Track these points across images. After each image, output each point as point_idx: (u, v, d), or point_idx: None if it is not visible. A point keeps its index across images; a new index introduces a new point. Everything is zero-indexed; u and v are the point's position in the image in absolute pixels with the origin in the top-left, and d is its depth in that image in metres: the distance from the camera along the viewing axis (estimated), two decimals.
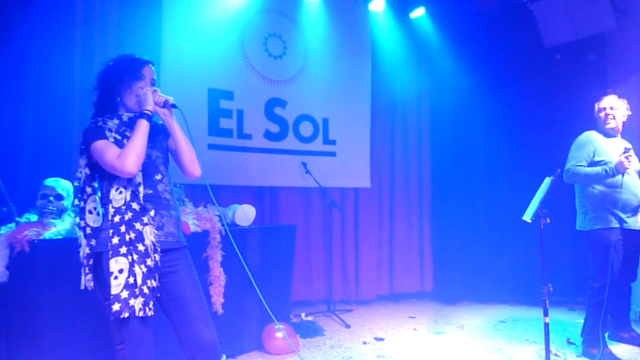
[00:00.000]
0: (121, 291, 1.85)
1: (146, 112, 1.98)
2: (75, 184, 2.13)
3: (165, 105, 2.02)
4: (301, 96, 5.12)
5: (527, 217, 3.01)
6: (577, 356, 3.46)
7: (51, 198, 2.84)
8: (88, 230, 1.96)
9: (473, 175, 5.44)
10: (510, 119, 5.06)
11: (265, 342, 3.62)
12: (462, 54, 5.38)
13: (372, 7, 5.44)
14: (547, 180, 3.11)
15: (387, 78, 5.59)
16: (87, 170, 1.99)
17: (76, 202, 2.13)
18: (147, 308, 1.87)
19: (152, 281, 1.90)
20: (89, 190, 2.00)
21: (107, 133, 1.97)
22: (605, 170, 3.25)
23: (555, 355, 3.44)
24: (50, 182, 2.91)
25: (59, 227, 2.75)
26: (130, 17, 4.31)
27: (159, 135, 2.13)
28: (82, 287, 1.97)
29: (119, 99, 2.04)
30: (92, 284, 1.96)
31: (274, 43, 5.04)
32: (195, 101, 4.55)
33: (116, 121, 2.02)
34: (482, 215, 5.31)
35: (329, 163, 5.20)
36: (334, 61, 5.30)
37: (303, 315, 4.56)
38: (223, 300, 3.27)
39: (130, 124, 2.01)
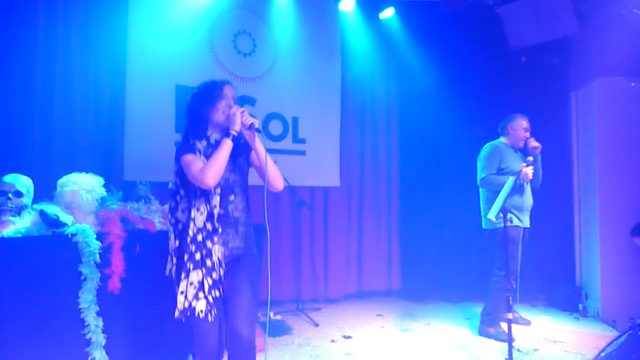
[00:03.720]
0: (192, 299, 2.16)
1: (232, 131, 2.19)
2: (170, 186, 2.34)
3: (251, 127, 2.19)
4: (271, 94, 5.10)
5: (492, 215, 3.08)
6: (534, 350, 3.57)
7: (10, 195, 2.73)
8: (180, 227, 2.27)
9: (441, 174, 5.53)
10: (476, 119, 5.16)
11: None
12: (431, 55, 5.46)
13: (342, 6, 5.46)
14: (511, 180, 3.19)
15: (357, 77, 5.62)
16: (177, 180, 2.28)
17: (172, 203, 2.34)
18: (209, 314, 2.16)
19: (216, 291, 2.19)
20: (182, 192, 2.29)
21: (197, 153, 2.23)
22: (516, 180, 3.59)
23: (518, 350, 3.53)
24: (9, 178, 2.81)
25: (18, 225, 2.65)
26: (95, 12, 4.22)
27: (240, 157, 2.33)
28: (167, 273, 2.30)
29: (208, 119, 2.27)
30: (174, 274, 2.27)
31: (244, 40, 5.00)
32: (162, 98, 4.48)
33: (204, 142, 2.26)
34: (449, 214, 5.40)
35: (298, 162, 5.20)
36: (304, 60, 5.29)
37: (271, 314, 4.54)
38: None
39: (216, 146, 2.21)
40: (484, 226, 3.99)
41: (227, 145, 2.18)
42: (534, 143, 3.91)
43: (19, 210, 2.75)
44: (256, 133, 2.22)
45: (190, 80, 4.60)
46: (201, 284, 2.16)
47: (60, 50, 4.08)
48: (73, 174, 2.90)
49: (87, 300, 2.65)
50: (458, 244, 5.31)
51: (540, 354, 3.51)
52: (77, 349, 2.66)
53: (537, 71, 5.31)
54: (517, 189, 3.75)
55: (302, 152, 5.25)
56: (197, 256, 2.18)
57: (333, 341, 3.90)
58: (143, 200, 3.18)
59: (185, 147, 2.26)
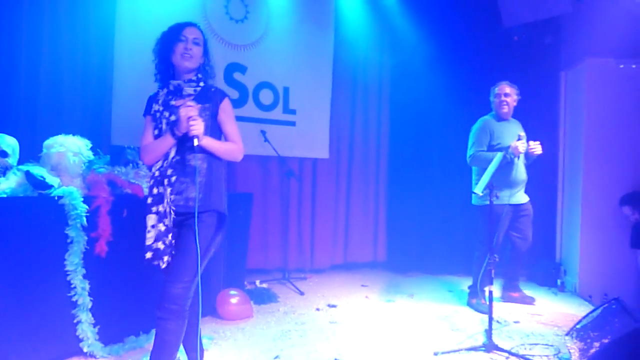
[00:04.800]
0: (152, 243, 2.15)
1: (177, 132, 2.14)
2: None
3: (191, 140, 2.11)
4: (262, 63, 5.03)
5: (479, 189, 3.11)
6: (514, 322, 3.68)
7: None
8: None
9: (430, 149, 5.56)
10: (467, 96, 5.16)
11: (219, 308, 3.63)
12: (425, 29, 5.41)
13: None
14: (499, 155, 3.22)
15: (350, 49, 5.56)
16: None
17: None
18: (160, 261, 2.14)
19: (168, 239, 2.15)
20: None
21: (154, 105, 2.26)
22: (504, 156, 3.61)
23: (497, 322, 3.64)
24: None
25: (3, 186, 2.61)
26: None
27: (200, 103, 2.20)
28: None
29: (170, 63, 2.24)
30: None
31: (236, 6, 4.89)
32: (151, 63, 4.35)
33: (165, 90, 2.25)
34: (436, 189, 5.46)
35: (288, 132, 5.17)
36: (297, 29, 5.21)
37: (258, 282, 4.60)
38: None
39: (176, 93, 2.22)
40: (473, 202, 4.02)
41: (168, 142, 2.18)
42: (537, 151, 3.81)
43: (3, 171, 2.71)
44: (195, 140, 2.11)
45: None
46: (155, 229, 2.14)
47: (47, 9, 3.95)
48: (60, 135, 2.86)
49: (73, 263, 2.66)
50: (443, 218, 5.38)
51: (519, 326, 3.62)
52: (64, 312, 2.68)
53: (529, 49, 5.30)
54: (508, 165, 3.75)
55: (292, 123, 5.23)
56: (149, 200, 2.18)
57: (318, 309, 3.97)
58: (131, 165, 3.16)
59: (148, 103, 2.32)
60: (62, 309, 2.67)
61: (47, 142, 2.83)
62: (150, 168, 2.28)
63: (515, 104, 4.04)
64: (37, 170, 2.72)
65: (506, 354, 2.97)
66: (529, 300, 4.21)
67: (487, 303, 3.10)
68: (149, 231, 2.15)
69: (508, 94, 3.97)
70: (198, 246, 2.11)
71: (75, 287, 2.67)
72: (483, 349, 3.03)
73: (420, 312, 3.95)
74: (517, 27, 4.98)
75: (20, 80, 3.64)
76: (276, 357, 2.93)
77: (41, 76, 3.91)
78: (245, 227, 4.10)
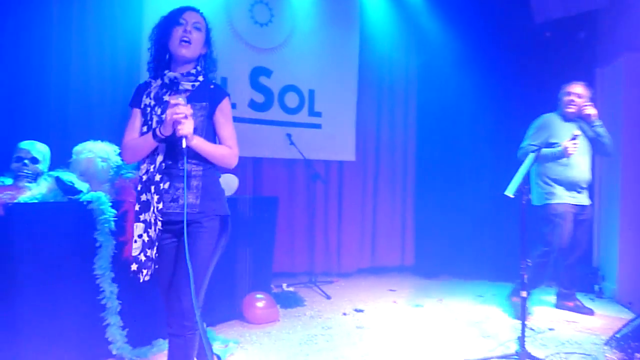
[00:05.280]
0: (139, 254, 1.97)
1: (159, 135, 1.91)
2: None
3: (180, 141, 1.88)
4: (287, 66, 5.02)
5: (510, 192, 3.01)
6: (548, 329, 3.54)
7: (26, 161, 2.77)
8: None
9: (458, 151, 5.45)
10: (498, 95, 5.04)
11: (245, 312, 3.62)
12: (452, 29, 5.31)
13: None
14: (531, 156, 3.11)
15: (376, 51, 5.51)
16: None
17: None
18: (140, 274, 1.96)
19: (152, 251, 1.96)
20: None
21: (144, 98, 2.01)
22: (553, 154, 3.56)
23: (531, 329, 3.51)
24: (25, 145, 2.84)
25: (34, 191, 2.68)
26: None
27: (197, 101, 1.99)
28: None
29: (167, 50, 2.01)
30: None
31: (260, 10, 4.91)
32: None
33: (158, 82, 2.01)
34: (465, 191, 5.34)
35: (314, 135, 5.15)
36: (322, 31, 5.19)
37: (284, 285, 4.58)
38: None
39: (170, 86, 1.98)
40: (532, 202, 3.83)
41: (149, 143, 1.95)
42: (587, 110, 3.69)
43: (35, 177, 2.78)
44: (184, 140, 1.87)
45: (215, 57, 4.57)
46: (141, 238, 1.95)
47: (76, 18, 4.05)
48: (89, 142, 2.91)
49: (102, 267, 2.69)
50: (473, 221, 5.26)
51: (554, 333, 3.48)
52: (93, 315, 2.71)
53: (562, 46, 5.12)
54: (563, 164, 3.65)
55: (318, 126, 5.20)
56: (137, 207, 1.98)
57: (345, 314, 3.92)
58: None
59: (134, 93, 2.07)
60: (91, 312, 2.71)
61: (76, 148, 2.89)
62: (138, 168, 2.10)
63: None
64: (66, 176, 2.78)
65: None
66: (586, 311, 3.92)
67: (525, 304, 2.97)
68: (135, 241, 1.96)
69: (581, 95, 3.78)
70: (189, 257, 1.86)
71: (104, 291, 2.70)
72: (515, 357, 2.92)
73: (450, 318, 3.85)
74: (549, 22, 4.83)
75: (50, 88, 3.74)
76: None
77: (71, 84, 4.00)
78: (271, 230, 4.09)
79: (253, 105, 4.85)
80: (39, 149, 2.87)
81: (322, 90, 5.20)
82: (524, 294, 3.02)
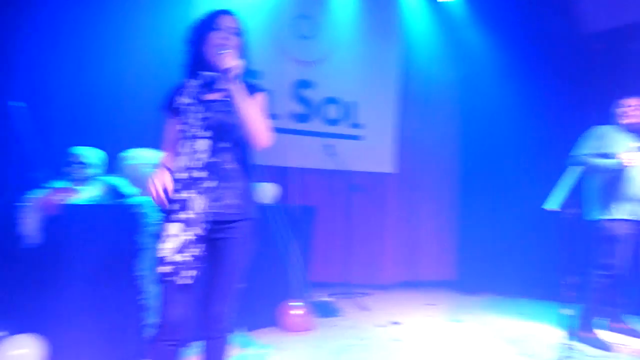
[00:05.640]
0: (172, 255, 1.82)
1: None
2: None
3: (227, 71, 1.83)
4: (329, 78, 5.11)
5: (551, 205, 2.93)
6: (594, 347, 3.39)
7: (78, 165, 2.95)
8: None
9: (502, 165, 5.33)
10: (543, 108, 4.91)
11: (282, 319, 3.67)
12: (496, 40, 5.24)
13: None
14: (577, 168, 3.03)
15: (417, 63, 5.51)
16: None
17: None
18: (180, 276, 1.82)
19: (196, 250, 1.85)
20: None
21: (179, 98, 1.95)
22: (607, 165, 3.37)
23: (570, 348, 3.36)
24: (77, 150, 3.03)
25: (87, 194, 2.86)
26: None
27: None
28: None
29: (202, 56, 1.96)
30: None
31: (304, 23, 5.03)
32: None
33: (196, 82, 1.96)
34: (509, 206, 5.20)
35: (354, 146, 5.19)
36: (364, 44, 5.25)
37: (321, 295, 4.60)
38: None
39: (209, 86, 1.95)
40: (586, 217, 3.64)
41: None
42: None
43: (86, 180, 2.95)
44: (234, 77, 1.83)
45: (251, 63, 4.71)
46: (178, 238, 1.83)
47: (130, 33, 4.26)
48: (138, 148, 3.07)
49: (143, 268, 2.81)
50: (518, 237, 5.10)
51: (600, 354, 3.32)
52: (133, 314, 2.83)
53: (613, 58, 4.93)
54: (622, 177, 3.43)
55: (358, 137, 5.24)
56: (175, 206, 1.85)
57: (381, 326, 3.89)
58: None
59: (166, 97, 2.02)
60: (132, 311, 2.83)
61: (125, 154, 3.06)
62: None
63: None
64: (117, 180, 2.94)
65: None
66: (637, 334, 3.68)
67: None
68: (167, 241, 1.83)
69: (635, 106, 3.59)
70: (231, 259, 1.89)
71: (144, 291, 2.82)
72: None
73: (489, 335, 3.75)
74: (598, 34, 4.68)
75: (106, 99, 3.95)
76: None
77: (124, 95, 4.19)
78: (308, 239, 4.14)
79: (294, 116, 4.95)
80: (90, 154, 3.05)
81: (363, 102, 5.25)
82: (566, 311, 2.91)
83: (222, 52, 1.85)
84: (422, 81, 5.56)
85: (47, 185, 2.91)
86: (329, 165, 4.93)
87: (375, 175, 5.36)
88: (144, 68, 4.33)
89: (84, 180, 2.93)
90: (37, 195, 2.79)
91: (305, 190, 5.03)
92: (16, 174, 3.25)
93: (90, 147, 3.10)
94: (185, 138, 1.90)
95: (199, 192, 1.86)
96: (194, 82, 1.96)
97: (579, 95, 4.91)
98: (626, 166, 3.34)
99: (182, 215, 1.84)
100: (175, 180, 1.88)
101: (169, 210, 1.86)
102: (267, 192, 3.75)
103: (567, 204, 2.90)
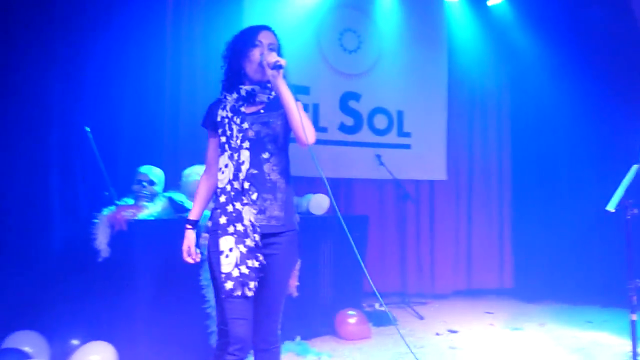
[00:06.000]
0: (232, 269, 1.81)
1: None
2: None
3: (275, 66, 1.87)
4: (376, 89, 5.17)
5: (611, 206, 2.84)
6: None
7: (145, 183, 3.16)
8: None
9: (556, 169, 5.19)
10: (596, 110, 4.74)
11: (338, 327, 3.72)
12: (546, 42, 5.13)
13: None
14: (634, 168, 2.92)
15: (465, 69, 5.47)
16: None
17: None
18: (246, 288, 1.81)
19: (253, 261, 1.84)
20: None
21: (219, 112, 1.97)
22: None
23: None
24: (144, 169, 3.23)
25: (152, 209, 3.05)
26: (215, 16, 4.57)
27: (274, 110, 1.98)
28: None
29: (242, 71, 1.97)
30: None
31: (349, 37, 5.13)
32: None
33: (235, 95, 1.98)
34: (566, 210, 5.04)
35: (403, 155, 5.21)
36: (409, 53, 5.28)
37: (377, 305, 4.61)
38: (298, 284, 3.41)
39: (248, 99, 1.96)
40: None
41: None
42: None
43: (152, 197, 3.16)
44: (280, 71, 1.86)
45: (299, 79, 4.84)
46: (234, 252, 1.82)
47: (185, 53, 4.48)
48: (196, 165, 3.24)
49: (207, 278, 2.95)
50: (578, 240, 4.92)
51: None
52: (198, 322, 2.98)
53: None
54: None
55: (408, 146, 5.25)
56: (223, 220, 1.86)
57: (438, 334, 3.87)
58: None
59: (207, 112, 2.05)
60: (197, 319, 2.98)
61: (185, 171, 3.25)
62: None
63: None
64: (178, 196, 3.13)
65: None
66: None
67: None
68: (227, 256, 1.83)
69: None
70: (278, 272, 1.92)
71: (209, 300, 2.96)
72: None
73: (551, 343, 3.64)
74: None
75: (164, 119, 4.19)
76: None
77: (181, 115, 4.40)
78: (361, 249, 4.18)
79: (343, 128, 5.03)
80: (155, 173, 3.25)
81: (410, 111, 5.27)
82: (634, 317, 2.79)
83: (270, 49, 1.92)
84: (470, 86, 5.52)
85: (116, 203, 3.14)
86: (380, 175, 4.97)
87: (426, 183, 5.34)
88: (200, 88, 4.55)
89: (150, 197, 3.14)
90: (108, 213, 3.02)
91: (357, 201, 5.09)
92: (89, 193, 3.52)
93: (154, 166, 3.30)
94: (227, 150, 1.92)
95: (245, 204, 1.87)
96: (233, 96, 1.98)
97: (632, 93, 4.71)
98: None
99: (232, 228, 1.85)
100: (221, 193, 1.90)
101: (220, 224, 1.86)
102: (319, 203, 3.83)
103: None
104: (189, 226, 2.07)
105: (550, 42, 5.10)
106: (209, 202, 2.10)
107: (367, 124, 5.13)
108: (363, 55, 5.17)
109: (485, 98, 5.54)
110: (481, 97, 5.54)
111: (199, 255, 2.06)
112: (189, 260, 2.06)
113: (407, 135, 5.25)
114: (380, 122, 5.18)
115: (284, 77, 1.90)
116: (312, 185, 4.78)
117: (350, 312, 3.77)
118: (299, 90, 4.85)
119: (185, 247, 2.06)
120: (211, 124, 2.02)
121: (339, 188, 4.99)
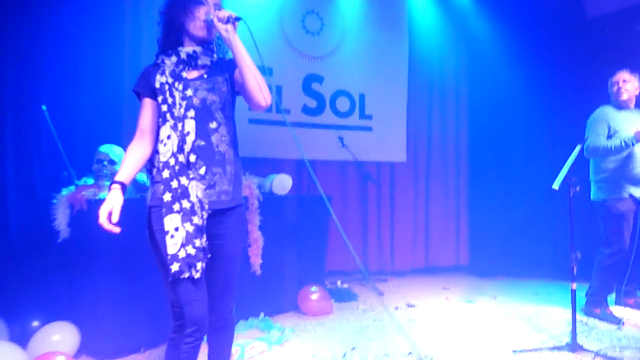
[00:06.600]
0: (179, 250, 1.71)
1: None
2: None
3: (229, 20, 1.75)
4: (338, 72, 5.23)
5: (556, 185, 3.02)
6: (600, 320, 3.49)
7: (105, 163, 3.13)
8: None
9: (510, 149, 5.41)
10: (550, 92, 4.98)
11: (301, 304, 3.82)
12: (502, 27, 5.32)
13: None
14: (578, 148, 3.12)
15: (425, 53, 5.60)
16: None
17: None
18: (193, 270, 1.71)
19: (201, 240, 1.74)
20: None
21: (158, 77, 1.80)
22: (624, 142, 3.41)
23: (585, 324, 3.47)
24: (104, 148, 3.20)
25: None
26: None
27: (219, 75, 1.86)
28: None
29: (183, 30, 1.83)
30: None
31: (312, 20, 5.16)
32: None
33: (174, 59, 1.82)
34: (519, 190, 5.29)
35: (365, 137, 5.31)
36: (371, 37, 5.36)
37: (339, 282, 4.75)
38: (261, 261, 3.48)
39: (189, 62, 1.82)
40: (592, 197, 3.73)
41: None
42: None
43: (112, 177, 3.10)
44: (236, 25, 1.76)
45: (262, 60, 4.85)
46: (180, 231, 1.71)
47: (145, 31, 4.35)
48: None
49: None
50: (529, 219, 5.20)
51: (611, 328, 3.41)
52: (161, 301, 2.91)
53: (618, 40, 4.97)
54: (629, 156, 3.50)
55: (369, 128, 5.36)
56: (168, 197, 1.72)
57: (397, 308, 4.03)
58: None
59: (140, 77, 1.85)
60: (160, 299, 2.95)
61: None
62: (152, 159, 1.83)
63: (637, 92, 3.70)
64: (139, 176, 3.11)
65: (592, 354, 2.84)
66: None
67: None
68: (172, 236, 1.71)
69: (626, 80, 3.66)
70: (233, 248, 1.86)
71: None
72: (567, 348, 2.92)
73: (502, 313, 3.86)
74: (603, 17, 4.73)
75: (123, 96, 4.11)
76: (353, 348, 3.05)
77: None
78: (324, 228, 4.28)
79: (306, 110, 5.08)
80: (116, 152, 3.22)
81: (372, 94, 5.36)
82: (573, 285, 3.01)
83: (216, 8, 1.80)
84: (430, 71, 5.65)
85: (76, 183, 3.10)
86: (342, 156, 5.06)
87: (387, 165, 5.47)
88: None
89: (111, 176, 3.11)
90: (67, 193, 2.98)
91: (320, 182, 5.12)
92: (47, 173, 3.45)
93: (114, 145, 3.27)
94: (169, 120, 1.76)
95: (192, 179, 1.74)
96: (172, 59, 1.82)
97: (585, 78, 4.96)
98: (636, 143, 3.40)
99: (177, 206, 1.72)
100: (164, 168, 1.75)
101: (164, 201, 1.73)
102: (282, 183, 3.89)
103: (571, 182, 2.99)
104: (116, 186, 1.76)
105: (507, 29, 5.28)
106: (138, 170, 1.88)
107: (329, 107, 5.19)
108: (325, 38, 5.21)
109: (444, 82, 5.70)
110: (440, 82, 5.69)
111: (118, 228, 1.74)
112: (109, 227, 1.73)
113: (369, 117, 5.35)
114: (343, 104, 5.26)
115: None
116: (276, 166, 4.85)
117: (313, 289, 3.87)
118: (262, 71, 4.84)
119: (106, 209, 1.73)
120: (149, 90, 1.82)
121: (303, 169, 5.05)
